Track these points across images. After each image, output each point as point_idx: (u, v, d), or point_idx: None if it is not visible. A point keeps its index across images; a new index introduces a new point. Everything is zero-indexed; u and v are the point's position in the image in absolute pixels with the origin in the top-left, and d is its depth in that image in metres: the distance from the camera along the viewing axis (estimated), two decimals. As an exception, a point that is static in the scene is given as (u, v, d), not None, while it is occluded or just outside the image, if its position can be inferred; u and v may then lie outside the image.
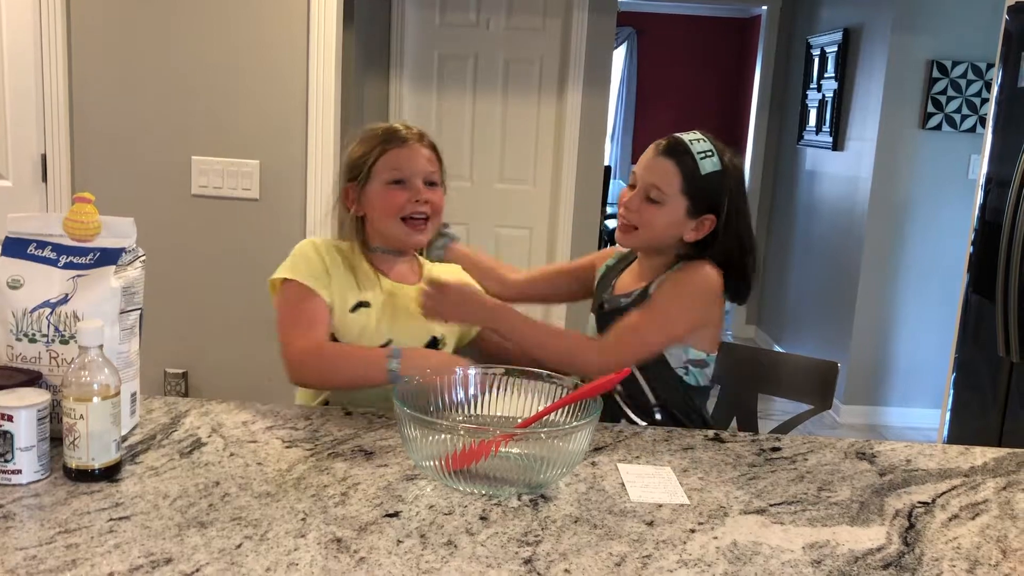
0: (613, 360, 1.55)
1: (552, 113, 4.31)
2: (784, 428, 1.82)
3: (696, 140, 1.67)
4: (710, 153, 1.65)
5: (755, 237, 1.73)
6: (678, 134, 1.69)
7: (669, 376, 1.68)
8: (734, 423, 1.91)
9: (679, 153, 1.66)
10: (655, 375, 1.68)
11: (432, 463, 1.22)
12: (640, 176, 1.68)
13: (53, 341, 1.26)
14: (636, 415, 1.68)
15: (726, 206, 1.66)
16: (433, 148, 1.72)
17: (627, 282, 1.78)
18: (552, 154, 4.34)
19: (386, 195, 1.65)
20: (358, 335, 1.64)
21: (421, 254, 1.83)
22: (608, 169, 6.44)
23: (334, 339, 1.64)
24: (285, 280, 1.64)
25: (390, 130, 1.70)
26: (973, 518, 1.24)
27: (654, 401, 1.69)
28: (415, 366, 1.47)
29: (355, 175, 1.69)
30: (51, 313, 1.26)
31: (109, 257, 1.31)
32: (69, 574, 0.95)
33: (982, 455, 1.50)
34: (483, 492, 1.21)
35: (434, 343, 1.72)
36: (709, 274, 1.66)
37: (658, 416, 1.68)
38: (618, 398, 1.70)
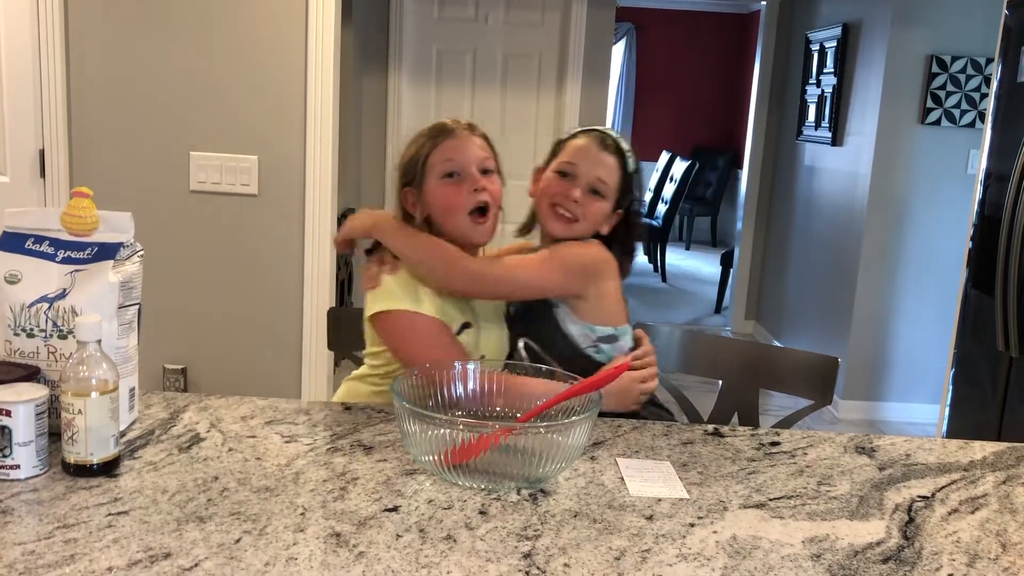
0: (483, 269, 1.60)
1: (551, 108, 4.31)
2: (784, 424, 1.81)
3: (619, 138, 1.71)
4: (630, 152, 1.71)
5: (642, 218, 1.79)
6: (601, 128, 1.73)
7: (579, 358, 1.64)
8: (735, 418, 1.90)
9: (618, 150, 1.69)
10: (567, 359, 1.61)
11: (431, 458, 1.22)
12: (584, 170, 1.66)
13: (51, 336, 1.26)
14: None
15: (632, 205, 1.72)
16: (485, 138, 1.68)
17: None
18: (551, 149, 4.34)
19: (443, 191, 1.61)
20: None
21: None
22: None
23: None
24: (388, 312, 1.58)
25: (437, 125, 1.67)
26: (973, 512, 1.23)
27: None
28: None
29: (410, 178, 1.65)
30: (49, 308, 1.26)
31: (107, 252, 1.30)
32: (68, 569, 0.95)
33: (981, 449, 1.50)
34: (482, 487, 1.21)
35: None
36: (590, 251, 1.66)
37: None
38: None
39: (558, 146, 1.74)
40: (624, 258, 1.73)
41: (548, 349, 1.64)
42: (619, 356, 1.66)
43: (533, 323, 1.68)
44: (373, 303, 1.60)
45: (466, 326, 1.64)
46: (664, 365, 1.88)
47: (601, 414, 1.50)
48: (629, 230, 1.74)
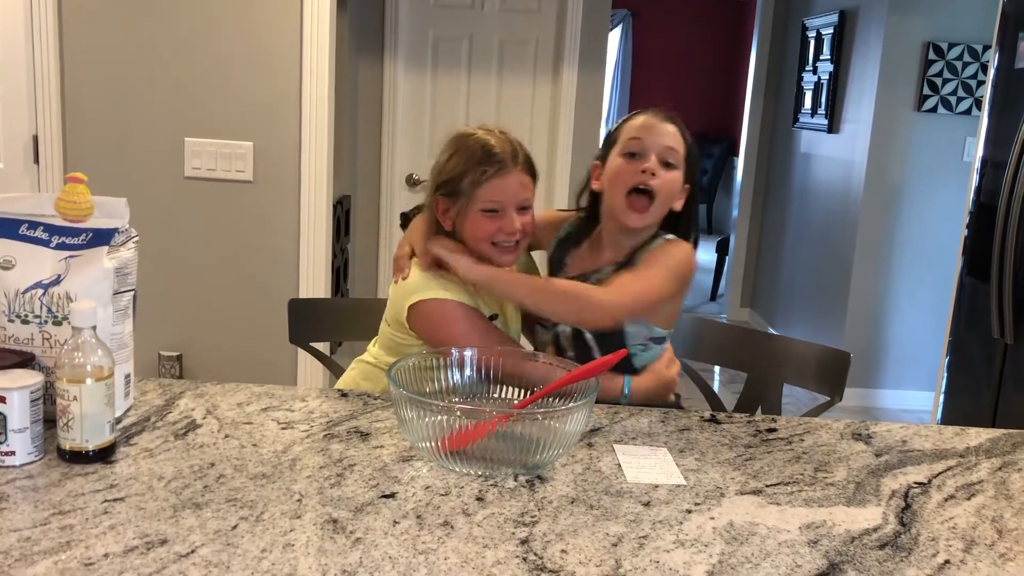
0: (616, 299, 1.55)
1: (547, 95, 4.29)
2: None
3: (669, 115, 1.69)
4: (683, 127, 1.68)
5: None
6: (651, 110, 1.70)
7: (620, 345, 1.63)
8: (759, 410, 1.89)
9: (675, 122, 1.67)
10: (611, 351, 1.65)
11: (428, 444, 1.22)
12: (652, 142, 1.62)
13: (46, 322, 1.25)
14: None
15: (696, 177, 1.71)
16: (528, 165, 1.65)
17: (588, 259, 1.73)
18: (547, 136, 4.32)
19: (478, 223, 1.61)
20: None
21: None
22: (603, 152, 6.43)
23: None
24: (425, 301, 1.60)
25: (487, 149, 1.61)
26: (969, 498, 1.24)
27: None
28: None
29: (448, 191, 1.63)
30: (44, 294, 1.25)
31: (102, 238, 1.29)
32: (64, 556, 0.95)
33: (977, 436, 1.50)
34: (479, 473, 1.21)
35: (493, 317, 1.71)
36: (689, 253, 1.67)
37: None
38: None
39: (613, 134, 1.70)
40: (695, 235, 1.74)
41: (597, 336, 1.65)
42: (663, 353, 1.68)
43: None
44: (406, 295, 1.61)
45: (494, 317, 1.66)
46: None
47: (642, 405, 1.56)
48: (695, 204, 1.73)
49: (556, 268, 1.78)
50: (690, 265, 1.66)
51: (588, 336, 1.67)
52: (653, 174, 1.61)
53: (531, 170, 1.65)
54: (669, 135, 1.64)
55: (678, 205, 1.68)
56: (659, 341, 1.70)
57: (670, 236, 1.69)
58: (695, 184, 1.72)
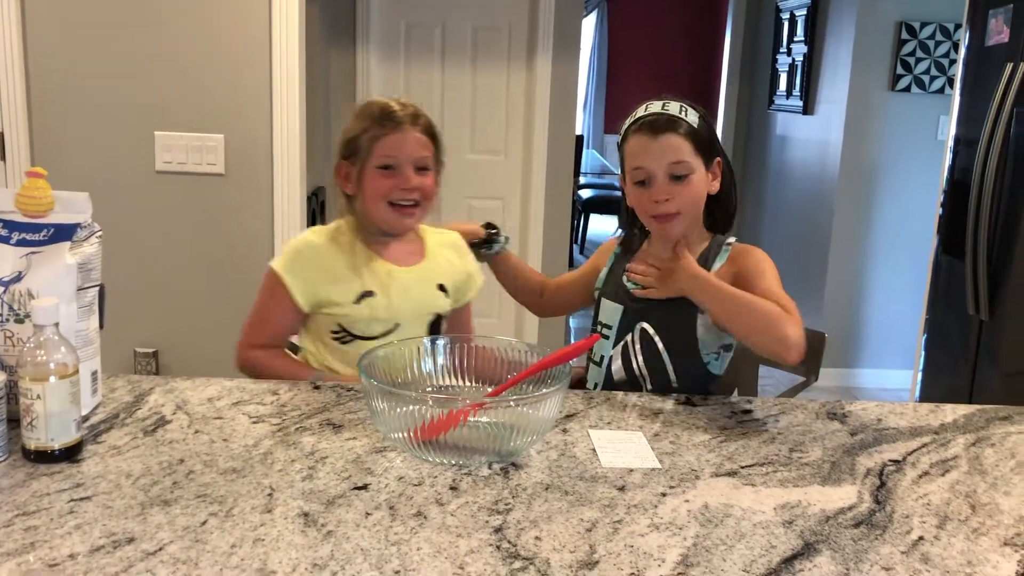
0: (800, 327, 1.48)
1: (522, 81, 4.27)
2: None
3: (665, 105, 1.63)
4: (683, 109, 1.63)
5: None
6: (642, 112, 1.64)
7: (695, 362, 1.65)
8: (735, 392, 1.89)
9: (671, 124, 1.60)
10: (682, 360, 1.64)
11: (401, 435, 1.21)
12: (650, 167, 1.60)
13: (7, 320, 1.23)
14: None
15: (719, 145, 1.68)
16: (428, 129, 1.69)
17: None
18: (523, 123, 4.30)
19: (375, 180, 1.66)
20: (367, 324, 1.67)
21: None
22: (580, 138, 6.41)
23: (293, 347, 1.77)
24: (272, 268, 1.69)
25: (385, 110, 1.67)
26: (943, 474, 1.24)
27: (674, 381, 1.65)
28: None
29: (348, 153, 1.69)
30: (4, 291, 1.22)
31: (63, 233, 1.27)
32: (29, 556, 0.93)
33: (952, 412, 1.50)
34: (453, 462, 1.20)
35: (438, 321, 1.76)
36: (767, 256, 1.66)
37: None
38: (641, 381, 1.66)
39: (621, 147, 1.69)
40: (733, 208, 1.71)
41: (666, 338, 1.64)
42: None
43: (664, 314, 1.64)
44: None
45: (367, 295, 1.66)
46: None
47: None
48: (730, 176, 1.69)
49: (617, 278, 1.73)
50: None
51: (659, 344, 1.64)
52: (667, 199, 1.60)
53: (432, 135, 1.69)
54: (668, 150, 1.59)
55: (714, 187, 1.66)
56: (728, 348, 1.68)
57: (731, 240, 1.68)
58: (724, 156, 1.68)
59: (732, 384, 1.86)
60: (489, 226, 1.91)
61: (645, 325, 1.65)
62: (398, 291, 1.69)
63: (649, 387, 1.66)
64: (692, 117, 1.62)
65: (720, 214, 1.71)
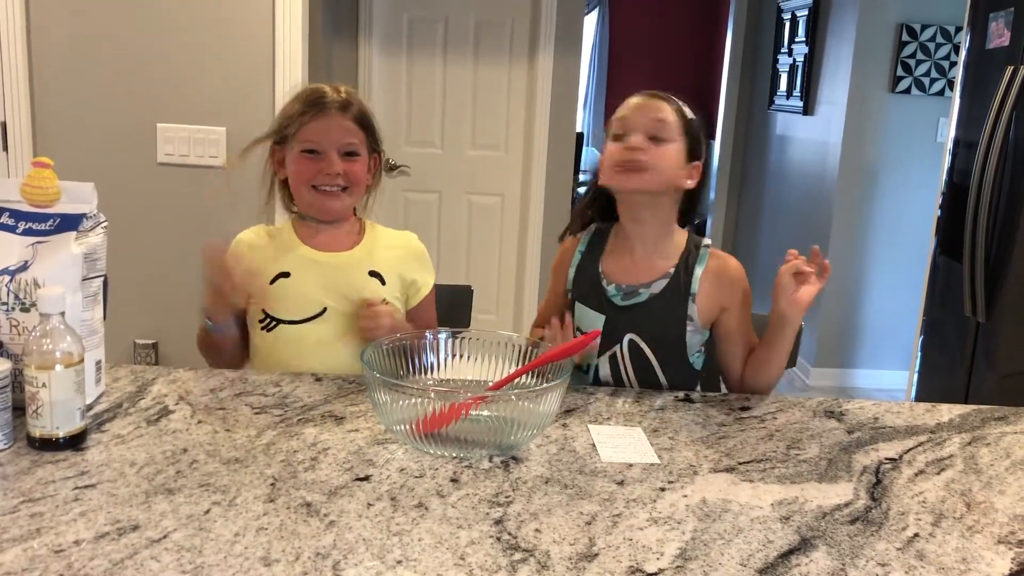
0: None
1: (523, 77, 4.27)
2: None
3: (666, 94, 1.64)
4: (684, 105, 1.63)
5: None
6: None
7: (684, 365, 1.66)
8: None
9: (667, 97, 1.61)
10: (672, 366, 1.65)
11: (403, 427, 1.22)
12: (635, 120, 1.56)
13: (13, 309, 1.24)
14: None
15: (704, 153, 1.64)
16: (358, 117, 1.66)
17: (621, 267, 1.66)
18: (524, 119, 4.31)
19: (300, 164, 1.65)
20: (290, 306, 1.65)
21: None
22: (580, 136, 6.42)
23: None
24: None
25: (315, 95, 1.66)
26: (939, 473, 1.25)
27: (665, 386, 1.65)
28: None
29: (281, 138, 1.68)
30: (11, 280, 1.23)
31: (69, 223, 1.28)
32: (34, 543, 0.94)
33: (948, 412, 1.52)
34: (454, 455, 1.21)
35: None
36: (738, 265, 1.71)
37: None
38: (631, 388, 1.66)
39: (608, 122, 1.67)
40: (699, 217, 1.71)
41: (656, 348, 1.63)
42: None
43: (653, 327, 1.62)
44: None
45: (282, 275, 1.66)
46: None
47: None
48: (705, 185, 1.68)
49: (593, 281, 1.67)
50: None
51: (650, 356, 1.64)
52: (638, 148, 1.54)
53: (362, 123, 1.67)
54: (657, 110, 1.57)
55: (690, 183, 1.61)
56: (706, 343, 1.70)
57: (708, 242, 1.68)
58: (706, 165, 1.65)
59: (714, 374, 1.86)
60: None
61: (634, 337, 1.62)
62: (318, 273, 1.65)
63: (640, 384, 1.66)
64: (687, 111, 1.62)
65: (689, 209, 1.69)
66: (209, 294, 1.62)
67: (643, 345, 1.63)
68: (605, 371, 1.66)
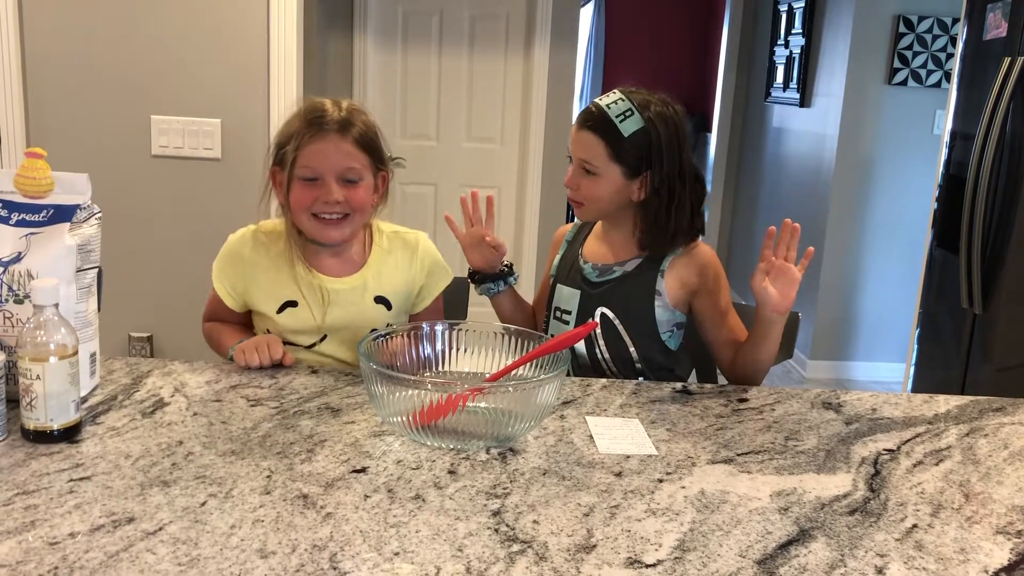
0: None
1: (519, 70, 4.26)
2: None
3: (614, 103, 1.63)
4: (629, 113, 1.62)
5: (701, 175, 1.72)
6: (597, 100, 1.67)
7: (655, 341, 1.70)
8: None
9: (598, 123, 1.63)
10: (643, 340, 1.69)
11: (400, 419, 1.21)
12: (573, 152, 1.69)
13: (7, 301, 1.23)
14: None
15: (660, 159, 1.63)
16: (360, 138, 1.56)
17: (600, 250, 1.76)
18: (520, 112, 4.30)
19: (297, 190, 1.55)
20: (292, 333, 1.63)
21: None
22: (576, 128, 6.40)
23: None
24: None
25: (315, 114, 1.55)
26: (937, 464, 1.25)
27: (639, 365, 1.70)
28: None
29: (280, 159, 1.58)
30: (4, 272, 1.22)
31: (63, 214, 1.27)
32: (28, 535, 0.93)
33: (945, 403, 1.52)
34: (451, 446, 1.20)
35: None
36: (710, 250, 1.74)
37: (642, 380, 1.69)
38: (604, 364, 1.70)
39: None
40: (693, 227, 1.70)
41: (625, 320, 1.69)
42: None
43: (623, 300, 1.69)
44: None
45: (289, 304, 1.62)
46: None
47: None
48: (680, 193, 1.65)
49: (574, 262, 1.78)
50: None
51: (620, 328, 1.69)
52: (575, 188, 1.69)
53: (364, 144, 1.57)
54: (582, 145, 1.66)
55: (638, 196, 1.66)
56: (680, 326, 1.74)
57: (690, 243, 1.72)
58: (666, 175, 1.64)
59: (691, 359, 1.87)
60: (507, 267, 1.84)
61: (605, 310, 1.70)
62: (324, 302, 1.62)
63: (612, 368, 1.70)
64: (629, 124, 1.61)
65: (656, 232, 1.67)
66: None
67: (614, 319, 1.69)
68: (580, 346, 1.70)
